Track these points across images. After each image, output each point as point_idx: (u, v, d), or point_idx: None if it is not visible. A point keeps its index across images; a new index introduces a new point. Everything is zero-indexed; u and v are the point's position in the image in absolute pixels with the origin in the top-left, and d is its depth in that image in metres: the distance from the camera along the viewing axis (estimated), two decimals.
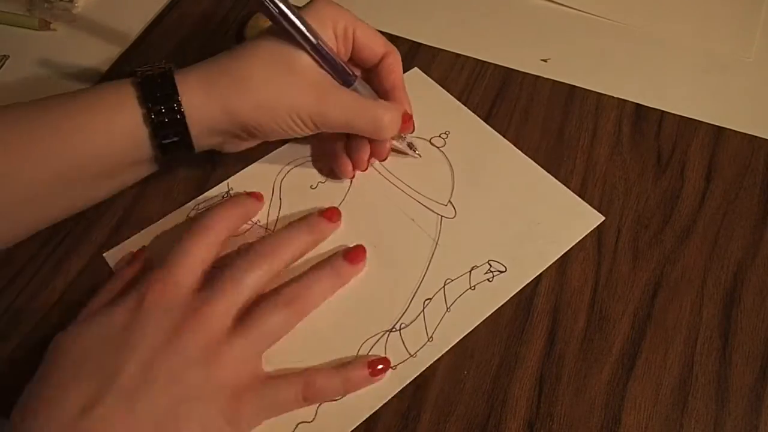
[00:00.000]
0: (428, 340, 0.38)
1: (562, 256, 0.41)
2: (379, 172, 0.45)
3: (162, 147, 0.40)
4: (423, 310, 0.39)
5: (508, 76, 0.50)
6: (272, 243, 0.38)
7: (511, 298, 0.40)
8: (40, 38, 0.54)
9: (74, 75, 0.51)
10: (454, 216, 0.43)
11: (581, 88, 0.49)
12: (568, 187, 0.44)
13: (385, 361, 0.37)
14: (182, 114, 0.39)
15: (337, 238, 0.42)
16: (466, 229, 0.43)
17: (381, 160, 0.45)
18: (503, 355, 0.38)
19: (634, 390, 0.37)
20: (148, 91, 0.39)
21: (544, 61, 0.51)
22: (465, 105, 0.49)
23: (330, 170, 0.45)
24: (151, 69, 0.40)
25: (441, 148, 0.46)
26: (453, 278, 0.41)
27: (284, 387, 0.35)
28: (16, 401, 0.37)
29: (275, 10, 0.38)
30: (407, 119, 0.43)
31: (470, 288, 0.40)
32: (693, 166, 0.45)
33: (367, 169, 0.45)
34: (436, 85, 0.50)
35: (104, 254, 0.42)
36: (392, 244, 0.42)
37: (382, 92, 0.43)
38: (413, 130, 0.44)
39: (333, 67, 0.40)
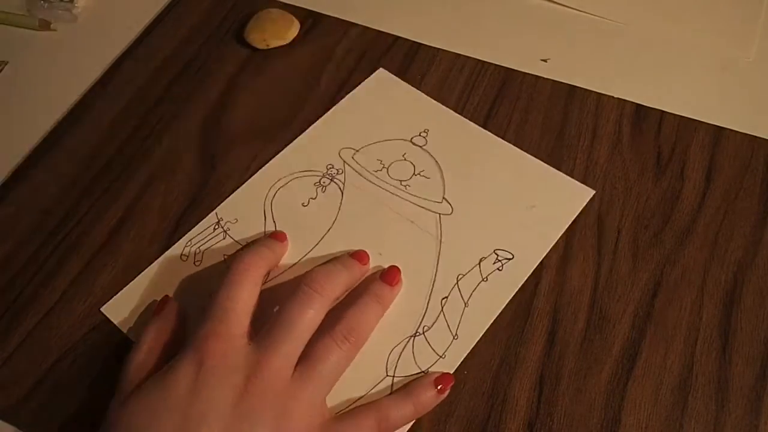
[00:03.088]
0: (454, 338, 0.38)
1: (562, 256, 0.42)
2: (369, 180, 0.45)
3: None
4: (442, 310, 0.39)
5: (508, 76, 0.50)
6: (321, 276, 0.36)
7: (511, 298, 0.40)
8: (40, 38, 0.54)
9: (74, 75, 0.51)
10: (452, 212, 0.43)
11: (581, 88, 0.49)
12: None
13: (448, 376, 0.37)
14: None
15: (341, 249, 0.42)
16: (465, 223, 0.43)
17: None
18: (503, 356, 0.38)
19: (634, 390, 0.37)
20: None
21: (544, 61, 0.51)
22: (465, 105, 0.49)
23: (319, 183, 0.44)
24: None
25: (423, 147, 0.46)
26: (464, 273, 0.41)
27: (358, 428, 0.34)
28: (16, 402, 0.37)
29: None
30: None
31: (483, 280, 0.40)
32: (693, 166, 0.45)
33: None
34: (406, 84, 0.49)
35: (102, 309, 0.40)
36: (397, 250, 0.42)
37: None
38: None
39: None
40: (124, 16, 0.55)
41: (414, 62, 0.51)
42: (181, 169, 0.46)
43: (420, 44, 0.52)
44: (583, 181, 0.45)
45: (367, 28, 0.53)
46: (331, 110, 0.48)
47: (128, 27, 0.54)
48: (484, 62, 0.51)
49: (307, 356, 0.34)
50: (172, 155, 0.47)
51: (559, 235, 0.42)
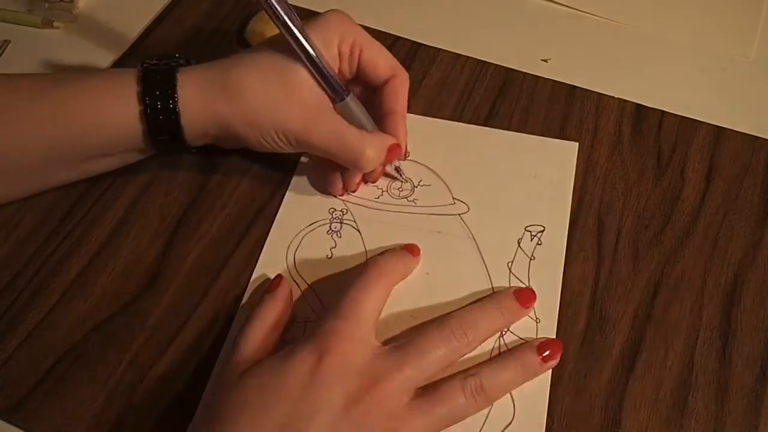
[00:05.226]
0: (536, 321, 0.39)
1: (563, 256, 0.42)
2: (377, 209, 0.44)
3: (155, 142, 0.40)
4: None
5: (508, 76, 0.50)
6: (467, 323, 0.36)
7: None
8: (42, 36, 0.54)
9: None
10: (468, 209, 0.43)
11: (581, 88, 0.49)
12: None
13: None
14: (177, 115, 0.39)
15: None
16: (486, 214, 0.43)
17: (372, 182, 0.45)
18: None
19: (634, 390, 0.37)
20: (148, 87, 0.39)
21: (545, 61, 0.51)
22: (465, 105, 0.49)
23: (330, 230, 0.43)
24: (157, 64, 0.41)
25: (410, 159, 0.46)
26: (511, 259, 0.41)
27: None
28: (17, 402, 0.37)
29: (276, 15, 0.38)
30: (394, 149, 0.42)
31: (531, 258, 0.41)
32: (693, 166, 0.45)
33: (356, 190, 0.44)
34: None
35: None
36: (441, 263, 0.41)
37: (379, 114, 0.43)
38: (404, 158, 0.45)
39: (326, 81, 0.40)
40: (125, 16, 0.55)
41: (414, 62, 0.51)
42: (182, 169, 0.46)
43: (420, 44, 0.52)
44: (584, 181, 0.45)
45: (368, 28, 0.52)
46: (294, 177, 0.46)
47: (129, 27, 0.54)
48: (484, 62, 0.51)
49: (431, 390, 0.34)
50: (173, 155, 0.46)
51: (571, 192, 0.44)
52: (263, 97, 0.39)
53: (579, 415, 0.36)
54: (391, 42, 0.52)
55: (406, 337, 0.35)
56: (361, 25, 0.43)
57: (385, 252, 0.41)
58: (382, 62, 0.42)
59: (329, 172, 0.44)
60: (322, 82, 0.40)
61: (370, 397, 0.32)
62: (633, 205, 0.44)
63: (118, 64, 0.52)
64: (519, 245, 0.42)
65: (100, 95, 0.39)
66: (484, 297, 0.40)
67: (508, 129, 0.47)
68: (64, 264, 0.42)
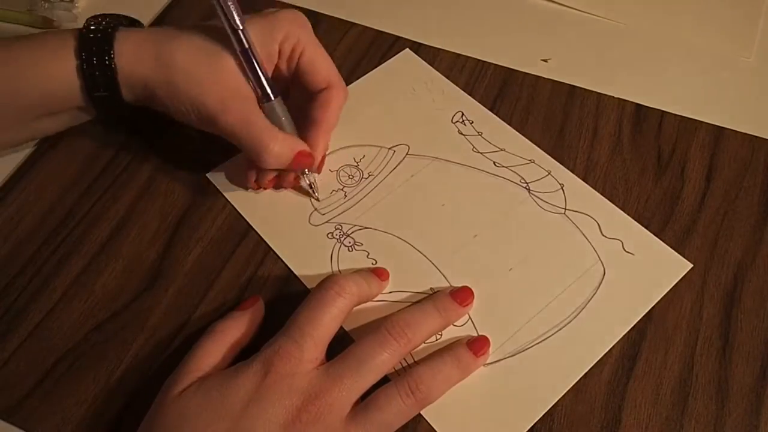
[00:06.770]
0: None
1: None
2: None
3: (94, 98, 0.41)
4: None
5: (508, 76, 0.50)
6: (403, 323, 0.35)
7: None
8: None
9: None
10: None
11: (581, 88, 0.49)
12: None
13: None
14: (113, 70, 0.40)
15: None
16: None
17: (284, 188, 0.44)
18: None
19: (634, 390, 0.37)
20: (85, 43, 0.40)
21: (545, 61, 0.51)
22: None
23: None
24: (95, 24, 0.41)
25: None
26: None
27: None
28: (16, 402, 0.37)
29: (219, 4, 0.39)
30: (303, 155, 0.41)
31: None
32: (693, 166, 0.45)
33: (268, 188, 0.44)
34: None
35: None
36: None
37: (307, 123, 0.42)
38: (313, 170, 0.43)
39: (255, 79, 0.40)
40: None
41: None
42: (182, 168, 0.46)
43: (420, 44, 0.52)
44: (584, 181, 0.45)
45: (368, 28, 0.53)
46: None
47: None
48: (484, 62, 0.51)
49: (367, 401, 0.34)
50: (174, 155, 0.47)
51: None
52: (187, 71, 0.40)
53: (579, 415, 0.36)
54: (392, 42, 0.52)
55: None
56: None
57: (352, 273, 0.39)
58: (321, 70, 0.42)
59: (247, 162, 0.43)
60: (252, 78, 0.40)
61: (307, 414, 0.32)
62: (633, 205, 0.44)
63: None
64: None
65: (40, 52, 0.40)
66: (422, 299, 0.39)
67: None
68: (64, 264, 0.42)
